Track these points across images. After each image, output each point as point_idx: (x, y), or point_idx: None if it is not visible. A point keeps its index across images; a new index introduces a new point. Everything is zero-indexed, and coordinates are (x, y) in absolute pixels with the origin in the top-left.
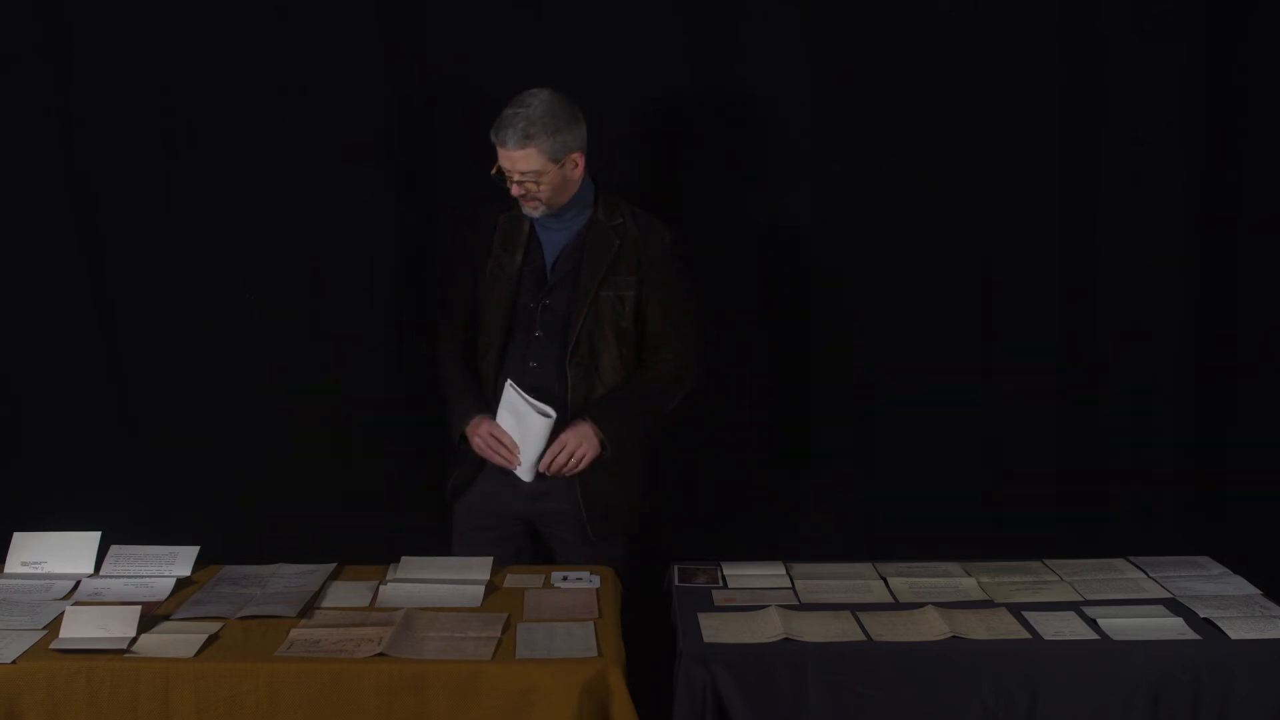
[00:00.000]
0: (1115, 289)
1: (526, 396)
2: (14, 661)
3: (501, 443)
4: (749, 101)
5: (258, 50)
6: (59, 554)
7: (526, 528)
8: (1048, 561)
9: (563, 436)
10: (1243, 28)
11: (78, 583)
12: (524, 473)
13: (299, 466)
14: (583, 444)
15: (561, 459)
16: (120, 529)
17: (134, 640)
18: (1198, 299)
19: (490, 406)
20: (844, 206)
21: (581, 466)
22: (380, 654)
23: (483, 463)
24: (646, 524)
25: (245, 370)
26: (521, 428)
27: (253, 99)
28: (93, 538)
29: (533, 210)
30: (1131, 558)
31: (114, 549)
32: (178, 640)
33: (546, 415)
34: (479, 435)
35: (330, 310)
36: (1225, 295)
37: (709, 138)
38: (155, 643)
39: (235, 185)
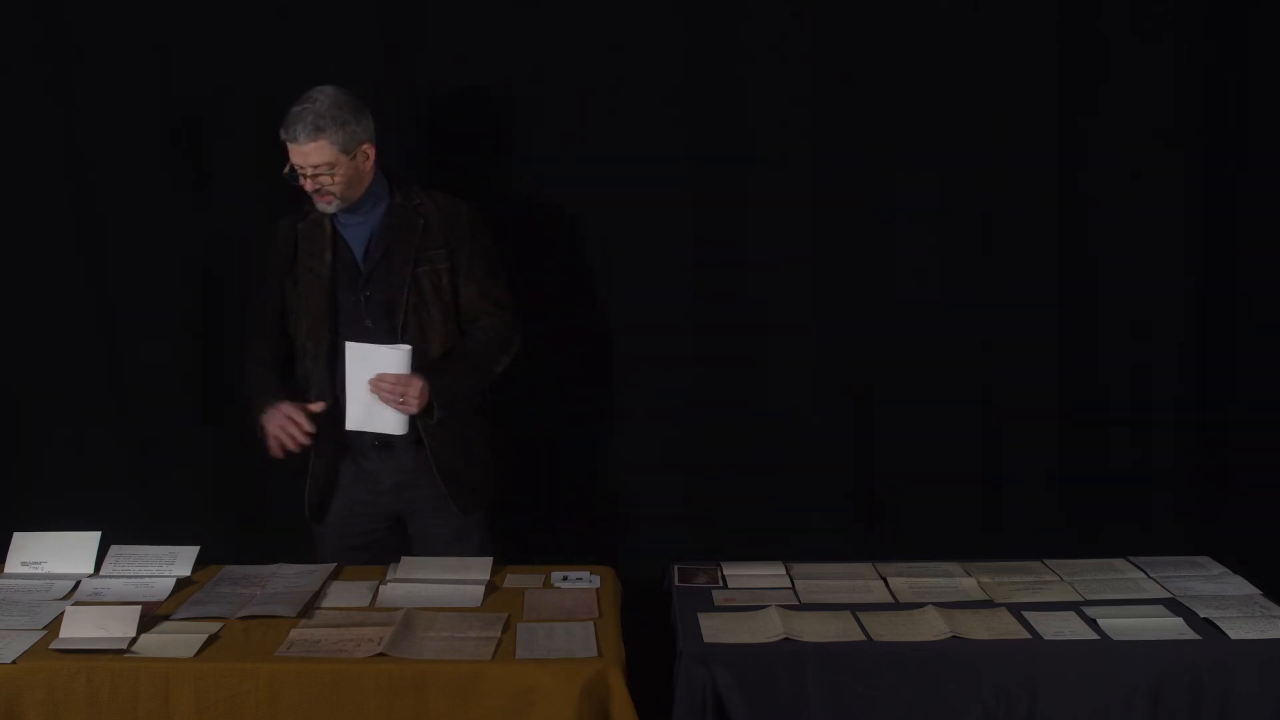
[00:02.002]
0: (1115, 289)
1: (373, 344)
2: (14, 661)
3: (294, 420)
4: (751, 96)
5: (258, 50)
6: (59, 554)
7: (397, 524)
8: (1048, 561)
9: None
10: (1243, 28)
11: (78, 583)
12: (397, 425)
13: (299, 467)
14: (412, 385)
15: (388, 385)
16: (120, 529)
17: (134, 640)
18: (1198, 299)
19: (293, 399)
20: (846, 205)
21: (406, 404)
22: (380, 654)
23: (335, 474)
24: (500, 496)
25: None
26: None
27: (252, 99)
28: (93, 538)
29: (328, 205)
30: (1131, 558)
31: (114, 549)
32: (178, 640)
33: (400, 349)
34: (272, 421)
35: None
36: (1225, 295)
37: (708, 135)
38: (155, 643)
39: (236, 185)
